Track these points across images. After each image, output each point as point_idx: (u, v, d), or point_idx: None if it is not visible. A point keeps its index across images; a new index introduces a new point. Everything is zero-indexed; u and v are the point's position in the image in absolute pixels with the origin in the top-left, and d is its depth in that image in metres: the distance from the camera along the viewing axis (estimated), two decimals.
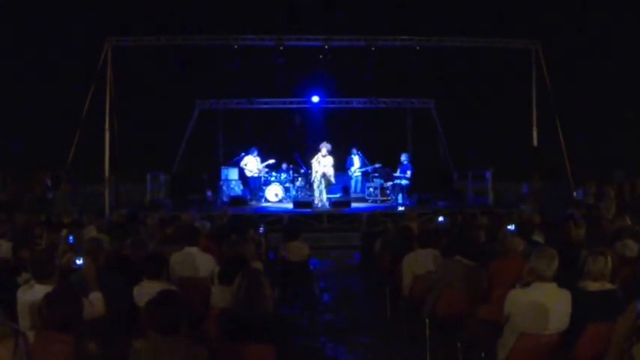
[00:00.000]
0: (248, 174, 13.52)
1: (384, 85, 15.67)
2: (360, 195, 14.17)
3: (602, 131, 16.29)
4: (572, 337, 3.35)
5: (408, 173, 13.28)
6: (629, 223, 6.31)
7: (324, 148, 12.10)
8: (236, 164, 13.87)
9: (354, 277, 8.27)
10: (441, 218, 7.89)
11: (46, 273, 3.46)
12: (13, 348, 2.31)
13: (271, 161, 13.71)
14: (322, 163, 12.10)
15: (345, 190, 13.75)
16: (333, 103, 16.49)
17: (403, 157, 13.62)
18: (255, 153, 13.61)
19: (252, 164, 13.49)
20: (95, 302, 3.45)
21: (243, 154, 13.74)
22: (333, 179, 12.43)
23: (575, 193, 12.36)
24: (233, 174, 14.09)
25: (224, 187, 13.91)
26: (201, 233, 5.73)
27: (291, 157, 14.14)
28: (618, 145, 15.82)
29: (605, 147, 15.85)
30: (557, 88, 12.93)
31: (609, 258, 3.51)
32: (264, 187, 13.50)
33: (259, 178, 13.59)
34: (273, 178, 13.62)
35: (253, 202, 13.23)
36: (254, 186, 13.57)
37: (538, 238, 5.71)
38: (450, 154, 16.10)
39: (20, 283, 3.97)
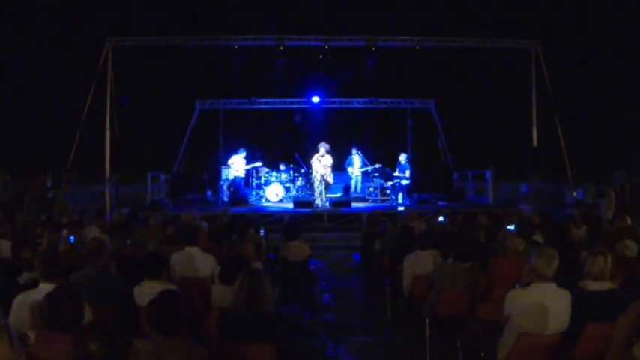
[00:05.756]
0: (234, 173, 13.46)
1: (384, 85, 15.67)
2: (360, 195, 14.16)
3: (602, 131, 16.31)
4: (572, 337, 3.35)
5: (407, 173, 13.29)
6: (629, 223, 6.33)
7: (323, 148, 12.14)
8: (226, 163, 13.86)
9: (354, 277, 8.27)
10: (441, 218, 7.89)
11: (53, 272, 3.47)
12: (9, 341, 2.32)
13: (258, 164, 13.63)
14: (322, 163, 12.12)
15: (346, 189, 13.76)
16: (333, 103, 16.48)
17: (402, 157, 13.64)
18: (244, 154, 13.57)
19: (238, 164, 13.46)
20: None
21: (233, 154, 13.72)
22: (331, 179, 12.46)
23: (575, 193, 12.36)
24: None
25: (224, 187, 13.92)
26: (202, 233, 5.73)
27: (292, 157, 14.13)
28: (618, 145, 15.83)
29: (605, 147, 15.87)
30: (557, 88, 12.94)
31: (609, 258, 3.51)
32: (264, 187, 13.49)
33: (244, 178, 13.55)
34: (273, 178, 13.60)
35: (252, 202, 13.24)
36: (238, 186, 13.51)
37: (538, 238, 5.72)
38: (450, 154, 16.11)
39: (21, 283, 3.97)
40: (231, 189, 13.29)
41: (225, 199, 13.49)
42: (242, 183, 13.52)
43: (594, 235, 5.50)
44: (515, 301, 3.47)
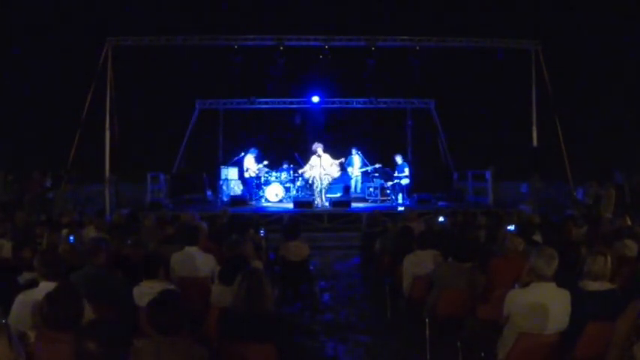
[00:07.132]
0: (251, 174, 13.54)
1: (384, 85, 15.66)
2: (360, 195, 14.17)
3: (602, 131, 16.30)
4: (572, 337, 3.35)
5: (406, 171, 13.34)
6: (629, 223, 6.33)
7: (319, 147, 12.18)
8: (237, 164, 13.91)
9: (354, 277, 8.27)
10: (441, 218, 7.89)
11: (53, 272, 3.47)
12: (8, 342, 2.33)
13: (265, 162, 13.76)
14: (323, 162, 12.12)
15: (346, 190, 13.76)
16: (333, 103, 16.49)
17: (398, 158, 13.74)
18: (255, 154, 13.63)
19: (251, 164, 13.54)
20: None
21: (243, 153, 13.77)
22: (331, 177, 12.49)
23: (575, 193, 12.36)
24: (233, 174, 14.11)
25: (224, 187, 13.92)
26: (202, 233, 5.73)
27: (292, 157, 14.14)
28: (618, 145, 15.82)
29: (605, 147, 15.86)
30: (557, 88, 12.93)
31: (609, 258, 3.51)
32: (264, 187, 13.50)
33: (257, 177, 13.61)
34: (273, 178, 13.61)
35: (253, 202, 13.24)
36: (252, 185, 13.59)
37: (538, 238, 5.72)
38: (450, 154, 16.10)
39: (21, 283, 3.97)
40: (253, 186, 13.46)
41: (225, 198, 13.50)
42: (254, 183, 13.60)
43: (594, 235, 5.50)
44: (515, 301, 3.47)
